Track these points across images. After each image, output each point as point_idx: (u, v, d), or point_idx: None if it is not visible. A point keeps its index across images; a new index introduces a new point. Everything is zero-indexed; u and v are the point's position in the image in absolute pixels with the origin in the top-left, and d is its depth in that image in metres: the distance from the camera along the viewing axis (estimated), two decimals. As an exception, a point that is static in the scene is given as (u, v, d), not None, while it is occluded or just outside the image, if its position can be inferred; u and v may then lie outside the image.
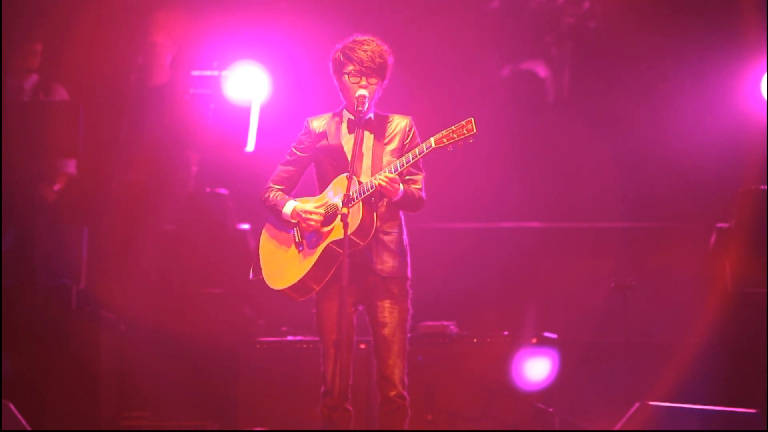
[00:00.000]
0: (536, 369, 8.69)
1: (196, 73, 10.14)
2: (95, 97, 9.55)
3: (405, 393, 6.10)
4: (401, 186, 5.98)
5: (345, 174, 6.00)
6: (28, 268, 8.91)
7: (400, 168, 5.95)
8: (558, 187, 10.80)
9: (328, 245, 6.01)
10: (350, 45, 6.12)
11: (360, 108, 6.06)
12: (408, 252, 6.19)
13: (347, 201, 5.88)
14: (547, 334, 8.84)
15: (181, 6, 10.21)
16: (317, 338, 6.19)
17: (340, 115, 6.24)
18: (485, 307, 9.76)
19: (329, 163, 6.17)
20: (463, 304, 9.75)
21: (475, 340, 8.85)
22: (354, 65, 6.09)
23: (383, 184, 5.90)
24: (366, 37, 6.15)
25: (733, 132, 10.02)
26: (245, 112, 10.03)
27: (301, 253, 6.10)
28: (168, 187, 9.99)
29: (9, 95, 9.29)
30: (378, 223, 6.04)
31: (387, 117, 6.22)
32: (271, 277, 6.17)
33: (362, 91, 6.08)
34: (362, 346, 8.27)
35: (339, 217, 5.90)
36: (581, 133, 10.70)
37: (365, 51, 6.08)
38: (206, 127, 10.00)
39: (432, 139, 5.91)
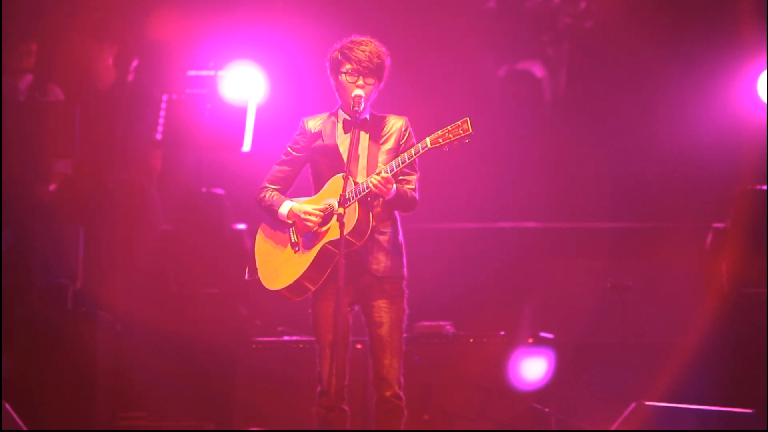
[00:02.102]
0: (533, 369, 8.69)
1: (192, 73, 10.13)
2: (91, 97, 9.54)
3: (401, 393, 6.10)
4: (394, 186, 5.97)
5: (341, 174, 6.01)
6: (24, 268, 8.89)
7: (396, 168, 5.95)
8: (554, 188, 10.80)
9: (324, 245, 6.00)
10: (348, 45, 6.13)
11: (356, 108, 6.06)
12: (404, 251, 6.19)
13: (343, 201, 5.89)
14: (543, 334, 8.84)
15: (179, 6, 10.20)
16: (313, 338, 6.19)
17: (335, 115, 6.23)
18: (482, 307, 9.76)
19: (325, 163, 6.16)
20: (459, 304, 9.74)
21: (472, 340, 8.84)
22: (352, 64, 6.09)
23: (375, 183, 5.90)
24: (364, 38, 6.16)
25: (730, 132, 10.02)
26: (242, 113, 10.01)
27: (297, 254, 6.09)
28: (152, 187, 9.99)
29: (4, 95, 9.27)
30: (374, 223, 6.04)
31: (383, 117, 6.22)
32: (267, 277, 6.17)
33: (358, 91, 6.08)
34: (358, 346, 8.25)
35: (335, 217, 5.91)
36: (578, 133, 10.70)
37: (363, 51, 6.08)
38: (203, 127, 9.99)
39: (428, 139, 5.91)
